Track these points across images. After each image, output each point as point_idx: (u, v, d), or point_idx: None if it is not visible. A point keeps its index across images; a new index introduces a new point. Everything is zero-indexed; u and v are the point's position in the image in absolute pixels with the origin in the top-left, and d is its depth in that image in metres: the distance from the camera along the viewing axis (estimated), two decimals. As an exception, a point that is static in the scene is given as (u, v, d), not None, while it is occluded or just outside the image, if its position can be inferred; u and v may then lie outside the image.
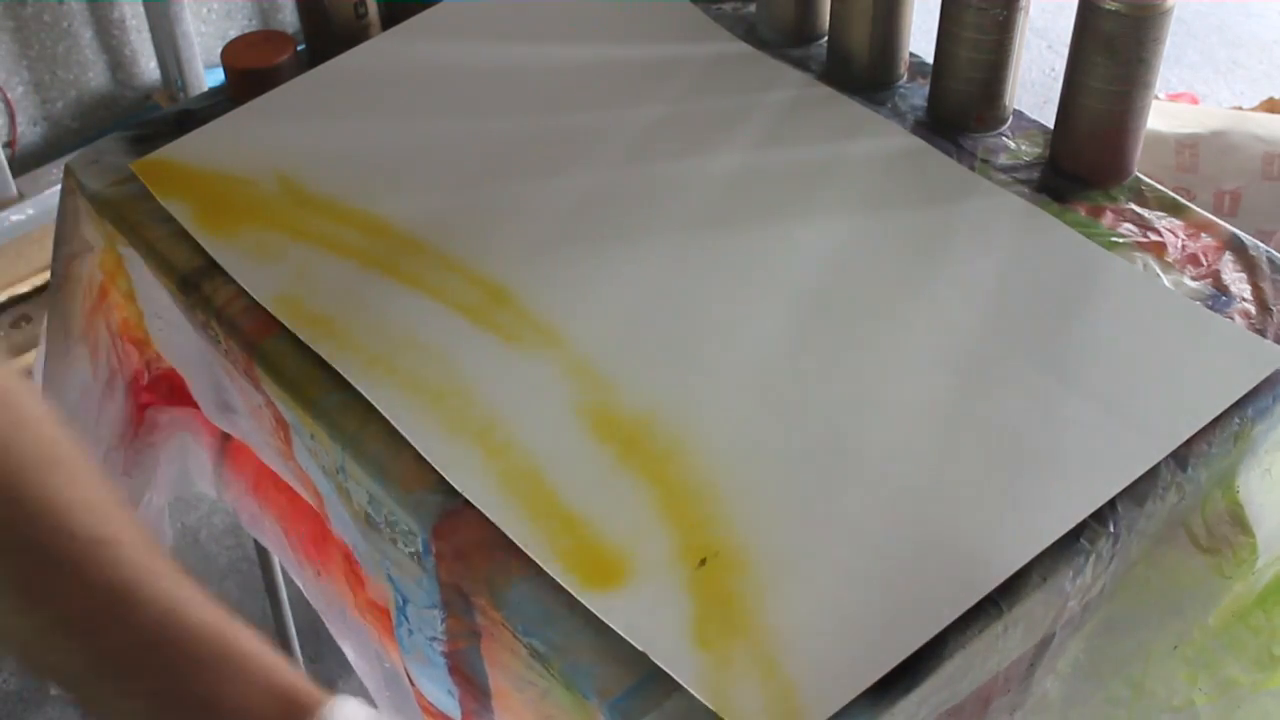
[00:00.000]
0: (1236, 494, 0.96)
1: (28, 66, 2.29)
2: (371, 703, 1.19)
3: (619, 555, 0.85)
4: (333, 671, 1.74)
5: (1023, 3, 1.07)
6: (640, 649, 0.81)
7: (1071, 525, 0.86)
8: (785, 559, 0.85)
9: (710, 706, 0.78)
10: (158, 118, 1.21)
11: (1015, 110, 1.15)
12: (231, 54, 1.22)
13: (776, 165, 1.12)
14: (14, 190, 2.20)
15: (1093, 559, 0.87)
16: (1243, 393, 0.94)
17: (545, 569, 0.85)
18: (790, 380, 0.96)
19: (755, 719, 0.78)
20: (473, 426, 0.93)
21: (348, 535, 1.02)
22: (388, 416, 0.94)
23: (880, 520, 0.87)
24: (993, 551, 0.85)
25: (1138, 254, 1.04)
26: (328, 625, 1.18)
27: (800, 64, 1.22)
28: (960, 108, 1.14)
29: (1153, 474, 0.90)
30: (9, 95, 2.28)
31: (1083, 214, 1.07)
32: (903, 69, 1.20)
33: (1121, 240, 1.05)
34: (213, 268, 1.05)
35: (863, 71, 1.18)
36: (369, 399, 0.95)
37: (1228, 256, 1.04)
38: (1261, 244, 1.05)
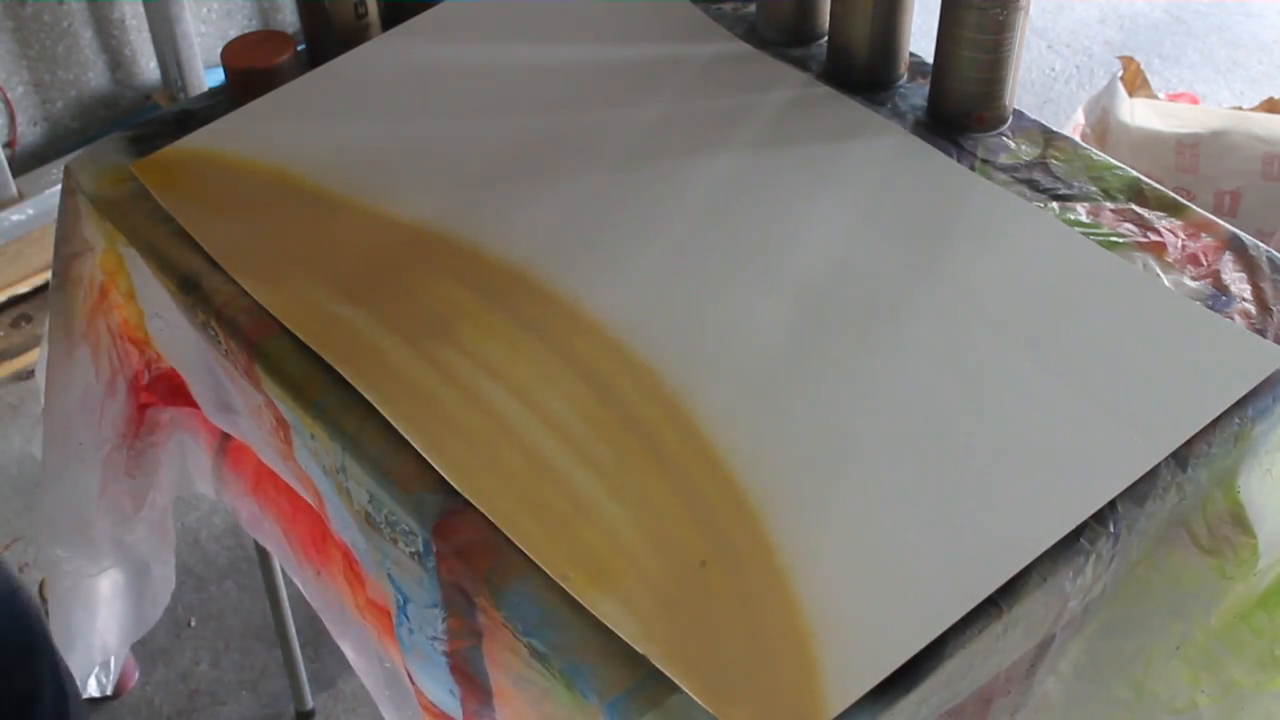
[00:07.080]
0: (1237, 494, 0.96)
1: (28, 66, 2.29)
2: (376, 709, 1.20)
3: (619, 555, 0.85)
4: (333, 671, 1.74)
5: (1023, 3, 1.07)
6: (639, 650, 0.81)
7: (1072, 525, 0.86)
8: (785, 560, 0.85)
9: (708, 708, 0.78)
10: (158, 118, 1.21)
11: (1015, 110, 1.15)
12: (231, 54, 1.22)
13: (777, 165, 1.12)
14: (14, 190, 2.20)
15: (1093, 559, 0.87)
16: (1243, 393, 0.94)
17: (545, 569, 0.85)
18: (790, 381, 0.96)
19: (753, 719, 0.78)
20: (473, 426, 0.93)
21: (348, 535, 1.02)
22: (388, 417, 0.94)
23: (880, 521, 0.87)
24: (993, 551, 0.85)
25: (1138, 254, 1.04)
26: (327, 625, 1.18)
27: (800, 64, 1.22)
28: (960, 108, 1.14)
29: (1153, 474, 0.90)
30: (9, 95, 2.28)
31: (1083, 214, 1.07)
32: (903, 69, 1.20)
33: (1121, 240, 1.05)
34: (213, 268, 1.05)
35: (863, 71, 1.18)
36: (369, 399, 0.95)
37: (1228, 256, 1.04)
38: (1261, 244, 1.05)
